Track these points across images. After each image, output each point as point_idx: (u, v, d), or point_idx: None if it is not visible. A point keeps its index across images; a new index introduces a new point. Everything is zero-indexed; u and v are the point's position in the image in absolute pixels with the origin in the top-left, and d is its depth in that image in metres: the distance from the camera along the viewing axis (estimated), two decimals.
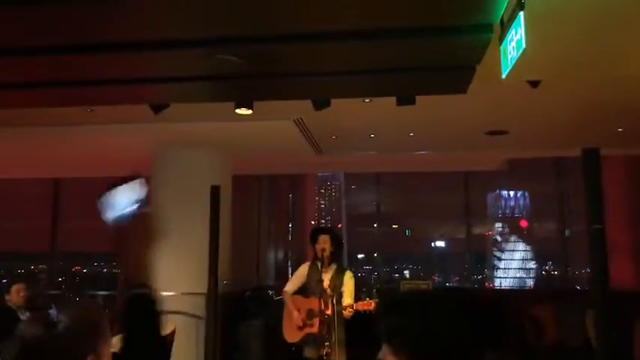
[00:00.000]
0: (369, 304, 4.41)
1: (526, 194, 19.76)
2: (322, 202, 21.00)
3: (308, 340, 4.56)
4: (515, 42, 2.86)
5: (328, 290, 4.45)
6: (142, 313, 2.71)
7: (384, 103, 4.94)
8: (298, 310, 4.68)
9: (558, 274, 12.90)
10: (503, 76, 3.16)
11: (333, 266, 4.71)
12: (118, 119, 5.83)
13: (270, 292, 8.24)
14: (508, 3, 2.79)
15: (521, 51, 2.77)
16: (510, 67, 3.02)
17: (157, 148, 6.98)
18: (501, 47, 3.13)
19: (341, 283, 4.62)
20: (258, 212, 10.04)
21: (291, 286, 4.86)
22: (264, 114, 5.36)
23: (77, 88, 4.03)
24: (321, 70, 3.89)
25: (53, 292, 10.26)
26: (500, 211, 20.76)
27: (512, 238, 20.79)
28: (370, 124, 6.35)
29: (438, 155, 7.98)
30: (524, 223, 20.59)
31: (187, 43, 3.37)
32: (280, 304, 4.98)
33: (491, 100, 5.33)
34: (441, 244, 15.66)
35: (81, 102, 4.76)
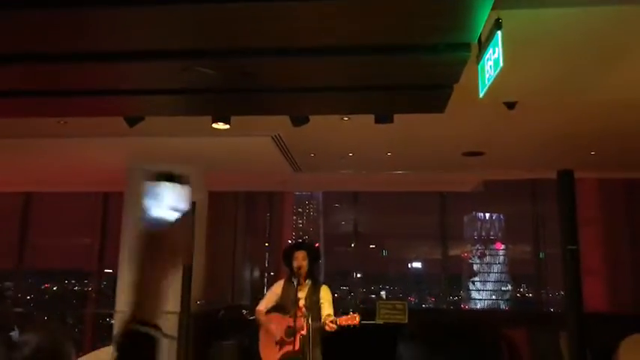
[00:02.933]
0: (352, 319, 4.28)
1: (501, 216, 19.99)
2: (300, 221, 20.86)
3: (287, 359, 4.43)
4: (492, 61, 2.88)
5: (303, 310, 4.36)
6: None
7: (362, 122, 4.93)
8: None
9: (533, 297, 12.98)
10: (481, 95, 3.17)
11: (309, 282, 4.62)
12: (91, 132, 5.72)
13: (245, 312, 8.08)
14: (486, 22, 2.81)
15: (498, 70, 2.79)
16: (488, 86, 3.03)
17: (131, 162, 6.85)
18: (479, 66, 3.16)
19: (318, 298, 4.53)
20: (235, 230, 9.90)
21: (264, 305, 4.74)
22: (241, 130, 5.31)
23: (48, 98, 3.92)
24: (298, 86, 3.86)
25: (19, 310, 9.92)
26: (475, 233, 20.94)
27: (487, 260, 20.96)
28: (349, 143, 6.34)
29: (415, 175, 8.01)
30: (499, 246, 20.79)
31: (163, 55, 3.31)
32: (255, 324, 4.85)
33: (468, 121, 5.38)
34: (417, 265, 15.67)
35: (52, 113, 4.64)
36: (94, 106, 4.21)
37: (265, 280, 10.86)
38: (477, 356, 6.76)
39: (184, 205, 1.41)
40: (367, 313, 6.95)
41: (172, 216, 1.35)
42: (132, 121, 4.56)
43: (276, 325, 4.54)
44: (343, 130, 5.66)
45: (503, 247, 20.63)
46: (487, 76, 3.01)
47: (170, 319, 6.27)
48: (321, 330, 4.38)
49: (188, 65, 3.36)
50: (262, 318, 4.67)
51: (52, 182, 8.40)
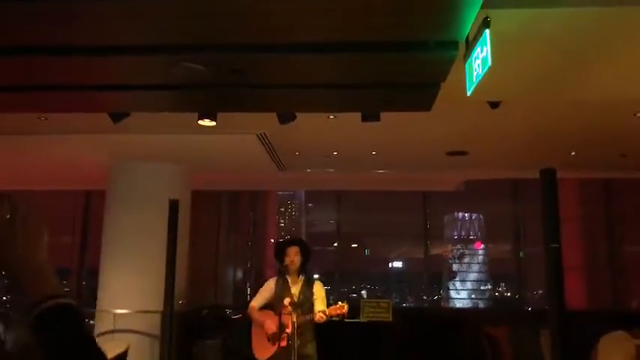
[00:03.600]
0: (341, 308, 4.30)
1: (481, 216, 20.21)
2: (282, 220, 20.80)
3: (280, 355, 4.39)
4: (480, 59, 2.91)
5: (288, 307, 4.34)
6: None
7: (348, 121, 4.95)
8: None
9: (511, 296, 13.15)
10: (469, 93, 3.20)
11: (302, 278, 4.61)
12: (73, 129, 5.63)
13: (228, 311, 8.03)
14: (474, 21, 2.84)
15: (486, 68, 2.82)
16: (475, 85, 3.07)
17: (113, 160, 6.77)
18: (466, 64, 3.19)
19: (311, 294, 4.53)
20: (218, 229, 9.85)
21: (257, 302, 4.69)
22: (227, 128, 5.28)
23: (30, 92, 3.84)
24: (287, 83, 3.85)
25: None
26: (455, 233, 21.15)
27: (467, 260, 21.17)
28: (334, 142, 6.36)
29: (398, 174, 8.07)
30: (478, 245, 21.02)
31: (150, 50, 3.28)
32: (238, 323, 4.82)
33: (453, 121, 5.43)
34: (398, 264, 15.76)
35: (34, 108, 4.56)
36: (78, 102, 4.14)
37: (248, 279, 10.83)
38: (459, 354, 6.84)
39: None
40: (349, 311, 6.97)
41: None
42: (116, 117, 4.50)
43: (269, 322, 4.52)
44: (329, 128, 5.67)
45: (482, 246, 20.87)
46: (475, 74, 3.04)
47: (153, 319, 6.21)
48: (313, 324, 4.38)
49: (176, 60, 3.33)
50: (255, 315, 4.63)
51: (33, 180, 8.25)
